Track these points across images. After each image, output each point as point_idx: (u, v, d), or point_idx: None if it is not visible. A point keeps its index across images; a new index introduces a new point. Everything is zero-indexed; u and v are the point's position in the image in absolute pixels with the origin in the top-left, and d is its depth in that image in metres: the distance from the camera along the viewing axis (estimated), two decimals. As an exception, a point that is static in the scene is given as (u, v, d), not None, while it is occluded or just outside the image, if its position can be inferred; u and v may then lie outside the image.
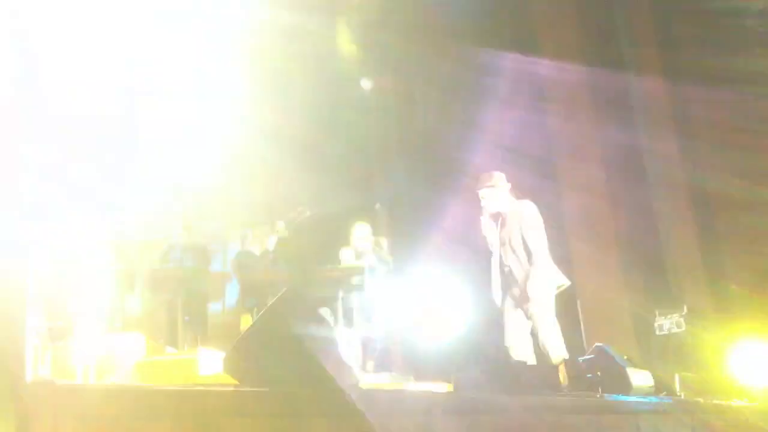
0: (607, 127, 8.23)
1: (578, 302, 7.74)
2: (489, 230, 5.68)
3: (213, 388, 3.95)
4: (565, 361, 5.15)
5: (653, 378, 5.57)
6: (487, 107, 8.55)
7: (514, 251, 5.55)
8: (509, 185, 5.73)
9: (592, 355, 5.63)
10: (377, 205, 9.45)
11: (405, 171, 9.39)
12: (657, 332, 6.90)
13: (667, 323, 6.84)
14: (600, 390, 5.19)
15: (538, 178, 7.36)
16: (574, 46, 8.56)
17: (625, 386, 5.24)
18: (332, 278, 7.25)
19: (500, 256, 5.64)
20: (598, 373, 5.35)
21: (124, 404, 2.93)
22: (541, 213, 5.61)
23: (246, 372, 3.63)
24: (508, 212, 5.66)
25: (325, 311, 6.63)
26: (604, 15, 8.87)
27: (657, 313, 6.98)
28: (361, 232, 7.86)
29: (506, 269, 5.61)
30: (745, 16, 7.89)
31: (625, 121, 8.37)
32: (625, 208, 8.17)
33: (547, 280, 5.45)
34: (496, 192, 5.66)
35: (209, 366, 5.62)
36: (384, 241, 7.81)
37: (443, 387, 4.54)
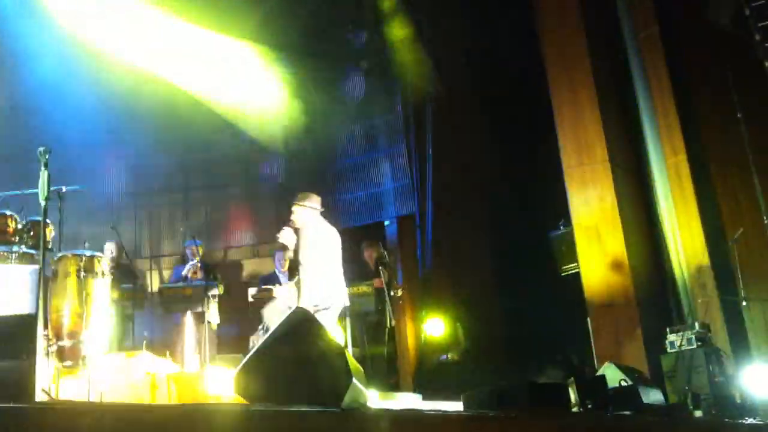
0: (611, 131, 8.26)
1: (588, 320, 7.72)
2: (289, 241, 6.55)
3: (222, 406, 3.95)
4: (576, 378, 5.13)
5: (663, 395, 5.54)
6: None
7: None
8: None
9: (602, 373, 5.60)
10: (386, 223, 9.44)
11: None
12: (668, 349, 6.88)
13: (678, 340, 6.82)
14: (611, 407, 5.15)
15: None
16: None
17: (637, 403, 5.21)
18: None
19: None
20: (609, 390, 5.32)
21: (132, 423, 2.93)
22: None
23: (254, 391, 3.63)
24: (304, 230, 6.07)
25: (335, 330, 6.63)
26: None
27: (668, 330, 6.96)
28: (371, 251, 7.91)
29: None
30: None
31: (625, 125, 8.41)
32: (633, 223, 8.16)
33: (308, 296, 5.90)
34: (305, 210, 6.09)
35: (218, 384, 5.62)
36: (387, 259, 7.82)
37: (454, 405, 4.52)
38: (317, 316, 5.75)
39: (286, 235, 6.53)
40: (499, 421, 3.80)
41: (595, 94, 8.31)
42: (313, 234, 6.02)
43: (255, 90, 9.91)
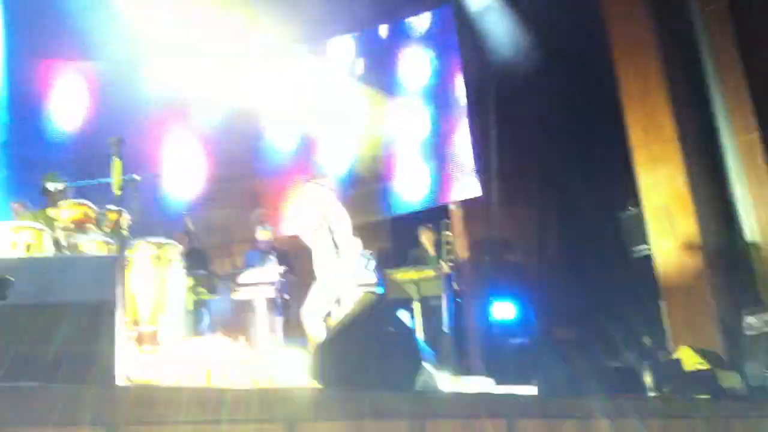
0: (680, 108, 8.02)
1: (662, 303, 7.57)
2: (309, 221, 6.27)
3: (296, 390, 4.00)
4: (651, 363, 5.04)
5: (742, 378, 5.40)
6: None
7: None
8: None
9: (678, 356, 5.48)
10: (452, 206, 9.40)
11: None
12: (745, 332, 6.68)
13: (756, 322, 6.62)
14: (687, 392, 5.04)
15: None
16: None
17: (714, 387, 5.09)
18: (409, 281, 7.30)
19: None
20: (685, 374, 5.21)
21: (209, 407, 2.99)
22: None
23: (327, 374, 3.67)
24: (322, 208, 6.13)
25: (404, 314, 6.65)
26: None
27: (745, 312, 6.76)
28: (429, 234, 7.91)
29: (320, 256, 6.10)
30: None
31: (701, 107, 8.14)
32: (706, 203, 7.94)
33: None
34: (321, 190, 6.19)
35: (291, 368, 5.70)
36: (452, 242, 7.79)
37: (526, 389, 4.49)
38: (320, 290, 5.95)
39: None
40: (576, 404, 3.75)
41: (663, 72, 8.10)
42: (336, 210, 6.17)
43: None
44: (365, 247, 8.19)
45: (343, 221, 6.15)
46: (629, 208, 8.42)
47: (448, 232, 7.85)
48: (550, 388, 4.12)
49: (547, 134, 9.02)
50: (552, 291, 8.11)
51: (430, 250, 7.91)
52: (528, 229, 9.03)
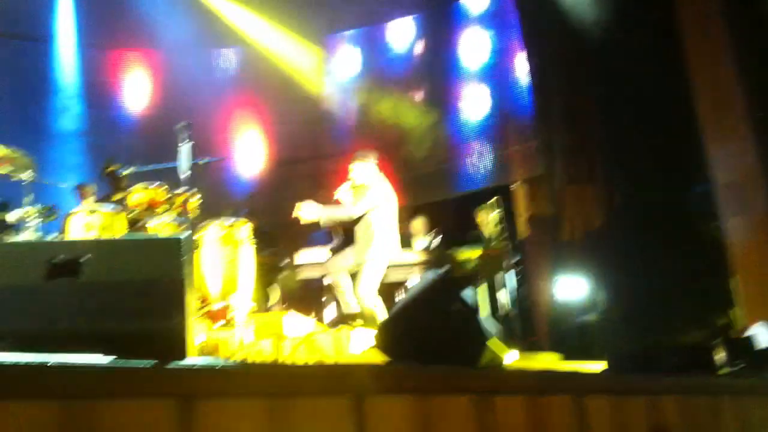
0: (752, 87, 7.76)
1: (734, 280, 7.39)
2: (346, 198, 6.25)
3: (363, 364, 4.05)
4: (723, 340, 4.93)
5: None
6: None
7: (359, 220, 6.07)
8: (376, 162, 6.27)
9: (751, 333, 5.35)
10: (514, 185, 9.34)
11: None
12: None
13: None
14: (760, 369, 4.92)
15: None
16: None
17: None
18: (472, 259, 7.30)
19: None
20: (758, 351, 5.08)
21: (278, 381, 3.06)
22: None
23: (394, 349, 3.70)
24: (371, 186, 6.14)
25: (468, 292, 6.64)
26: None
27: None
28: (485, 213, 7.88)
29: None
30: None
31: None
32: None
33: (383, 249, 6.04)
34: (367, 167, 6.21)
35: (360, 343, 5.78)
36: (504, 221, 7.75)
37: (596, 366, 4.45)
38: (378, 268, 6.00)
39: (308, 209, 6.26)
40: (645, 382, 3.71)
41: (733, 44, 7.84)
42: (384, 188, 6.21)
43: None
44: (430, 226, 8.23)
45: (388, 200, 6.20)
46: (699, 185, 8.22)
47: (499, 210, 7.80)
48: (619, 364, 4.08)
49: (613, 110, 8.84)
50: (619, 268, 7.98)
51: (487, 229, 7.88)
52: (593, 206, 8.88)
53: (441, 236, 7.66)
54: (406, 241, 8.35)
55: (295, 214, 6.14)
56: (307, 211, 6.12)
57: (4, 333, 3.13)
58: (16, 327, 3.26)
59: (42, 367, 2.22)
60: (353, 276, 6.28)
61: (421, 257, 7.31)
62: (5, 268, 3.53)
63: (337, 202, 6.27)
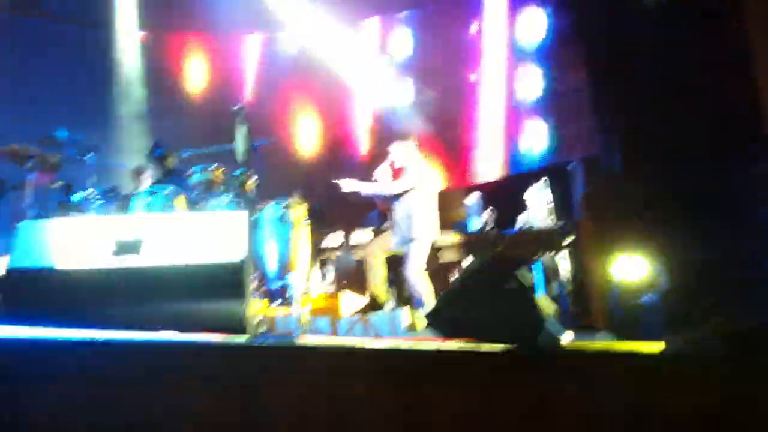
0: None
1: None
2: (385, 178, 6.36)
3: (419, 342, 4.09)
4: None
5: None
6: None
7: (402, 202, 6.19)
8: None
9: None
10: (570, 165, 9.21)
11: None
12: None
13: None
14: None
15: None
16: None
17: None
18: (525, 239, 7.26)
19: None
20: None
21: (335, 359, 3.11)
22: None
23: (449, 328, 3.73)
24: (408, 167, 6.29)
25: (526, 271, 6.61)
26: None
27: None
28: (541, 194, 7.81)
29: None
30: None
31: None
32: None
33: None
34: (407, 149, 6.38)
35: (412, 320, 5.83)
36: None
37: (654, 347, 4.39)
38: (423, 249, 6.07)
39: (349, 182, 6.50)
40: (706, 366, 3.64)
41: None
42: (424, 169, 6.36)
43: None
44: (484, 206, 8.21)
45: (428, 181, 6.30)
46: (761, 164, 7.97)
47: (548, 191, 7.75)
48: (677, 346, 4.02)
49: (673, 88, 8.61)
50: (679, 249, 7.82)
51: (540, 209, 7.81)
52: (652, 185, 8.70)
53: (496, 216, 7.62)
54: (461, 221, 8.37)
55: (338, 184, 6.44)
56: (348, 184, 6.39)
57: (79, 315, 3.26)
58: (90, 308, 3.39)
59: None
60: (396, 258, 6.38)
61: (476, 237, 7.30)
62: (73, 247, 3.66)
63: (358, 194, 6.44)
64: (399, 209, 6.21)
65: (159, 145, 7.14)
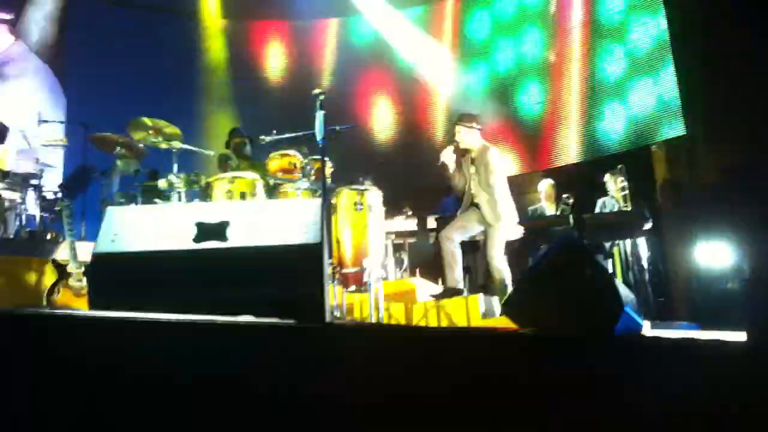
0: None
1: None
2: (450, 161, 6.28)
3: (493, 330, 4.08)
4: None
5: None
6: None
7: (481, 184, 6.15)
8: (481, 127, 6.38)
9: None
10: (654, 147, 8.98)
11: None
12: None
13: None
14: None
15: None
16: None
17: None
18: (602, 225, 7.14)
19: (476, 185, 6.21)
20: None
21: (409, 344, 3.14)
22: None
23: (524, 316, 3.70)
24: (477, 151, 6.25)
25: (600, 258, 6.52)
26: None
27: None
28: (614, 179, 7.65)
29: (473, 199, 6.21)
30: None
31: None
32: None
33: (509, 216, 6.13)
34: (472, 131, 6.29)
35: (486, 307, 5.81)
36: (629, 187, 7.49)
37: (737, 336, 4.26)
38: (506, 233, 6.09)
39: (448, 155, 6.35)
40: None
41: None
42: (497, 154, 6.31)
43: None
44: (562, 190, 8.10)
45: (492, 163, 6.20)
46: None
47: (624, 177, 7.59)
48: (763, 334, 3.88)
49: (760, 69, 8.26)
50: (762, 234, 7.54)
51: (616, 195, 7.67)
52: (735, 171, 8.40)
53: (573, 200, 7.50)
54: (534, 206, 8.29)
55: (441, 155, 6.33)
56: (446, 154, 6.30)
57: (164, 299, 3.38)
58: (174, 291, 3.51)
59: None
60: (472, 244, 6.34)
61: (550, 222, 7.23)
62: (159, 233, 3.79)
63: (443, 166, 6.32)
64: (482, 192, 6.17)
65: (237, 132, 7.31)
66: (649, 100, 9.11)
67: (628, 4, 9.47)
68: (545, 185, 8.31)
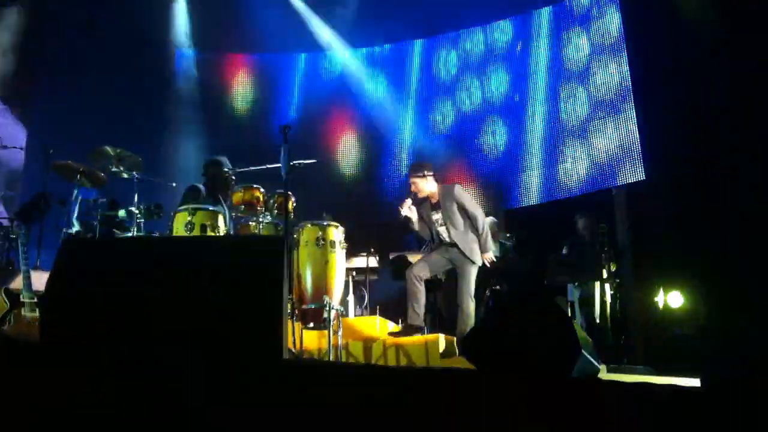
0: None
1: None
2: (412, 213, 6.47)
3: (449, 370, 4.07)
4: None
5: None
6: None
7: (453, 224, 6.32)
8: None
9: None
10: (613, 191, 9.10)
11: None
12: None
13: None
14: None
15: None
16: None
17: None
18: (562, 266, 7.20)
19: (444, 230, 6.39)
20: None
21: (366, 383, 3.11)
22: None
23: (481, 357, 3.70)
24: (439, 194, 6.45)
25: (560, 300, 6.58)
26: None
27: None
28: (586, 221, 7.75)
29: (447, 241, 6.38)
30: None
31: None
32: None
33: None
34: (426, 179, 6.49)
35: (446, 347, 5.78)
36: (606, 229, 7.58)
37: (692, 381, 4.30)
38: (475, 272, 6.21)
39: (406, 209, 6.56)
40: (747, 404, 3.56)
41: None
42: (461, 188, 6.54)
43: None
44: (525, 231, 8.16)
45: (462, 198, 6.46)
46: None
47: (589, 219, 7.71)
48: (715, 380, 3.92)
49: (721, 114, 8.44)
50: (722, 280, 7.64)
51: (587, 237, 7.76)
52: (696, 214, 8.54)
53: (532, 242, 7.56)
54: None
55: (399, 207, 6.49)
56: (407, 207, 6.46)
57: (102, 327, 3.31)
58: (119, 321, 3.44)
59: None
60: (439, 281, 6.37)
61: (512, 262, 7.28)
62: (112, 264, 3.73)
63: (407, 219, 6.49)
64: (458, 232, 6.31)
65: (212, 164, 7.18)
66: (611, 143, 9.25)
67: (592, 47, 9.65)
68: (506, 225, 8.37)
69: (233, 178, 6.34)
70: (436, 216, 6.41)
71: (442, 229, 6.37)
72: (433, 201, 6.45)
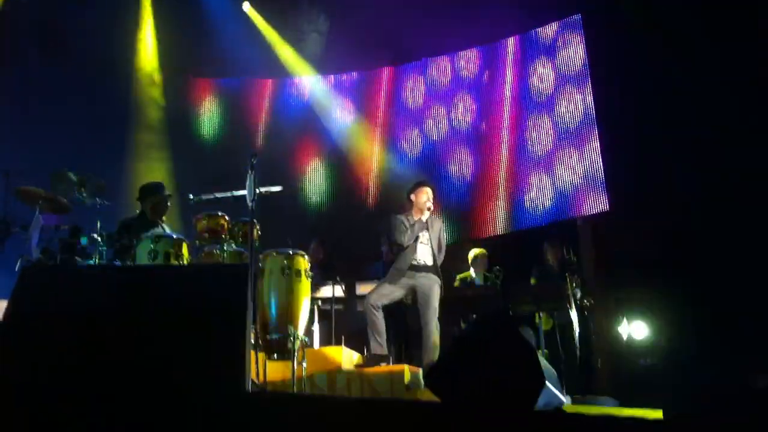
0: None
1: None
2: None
3: (415, 403, 4.04)
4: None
5: None
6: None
7: (435, 249, 6.57)
8: None
9: None
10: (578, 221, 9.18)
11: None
12: None
13: None
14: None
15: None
16: None
17: None
18: (528, 295, 7.23)
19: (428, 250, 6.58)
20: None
21: (330, 414, 3.08)
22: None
23: (447, 387, 3.68)
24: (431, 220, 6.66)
25: (526, 331, 6.58)
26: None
27: None
28: (555, 250, 7.80)
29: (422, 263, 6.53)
30: None
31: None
32: None
33: None
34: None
35: (413, 381, 5.74)
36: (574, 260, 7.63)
37: (654, 414, 4.33)
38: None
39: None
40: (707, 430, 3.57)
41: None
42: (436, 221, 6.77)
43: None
44: (490, 260, 8.18)
45: (443, 229, 6.77)
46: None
47: (555, 249, 7.77)
48: (678, 411, 3.95)
49: (686, 145, 8.57)
50: (687, 311, 7.72)
51: (556, 268, 7.81)
52: (661, 246, 8.64)
53: (498, 271, 7.57)
54: (464, 275, 8.33)
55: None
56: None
57: (61, 358, 3.24)
58: (79, 352, 3.37)
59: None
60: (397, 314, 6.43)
61: (477, 292, 7.30)
62: (73, 293, 3.66)
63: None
64: (431, 254, 6.50)
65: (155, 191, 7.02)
66: (575, 173, 9.35)
67: (557, 77, 9.78)
68: (474, 253, 8.37)
69: (190, 203, 6.25)
70: (425, 236, 6.53)
71: (425, 249, 6.46)
72: (423, 220, 6.56)
